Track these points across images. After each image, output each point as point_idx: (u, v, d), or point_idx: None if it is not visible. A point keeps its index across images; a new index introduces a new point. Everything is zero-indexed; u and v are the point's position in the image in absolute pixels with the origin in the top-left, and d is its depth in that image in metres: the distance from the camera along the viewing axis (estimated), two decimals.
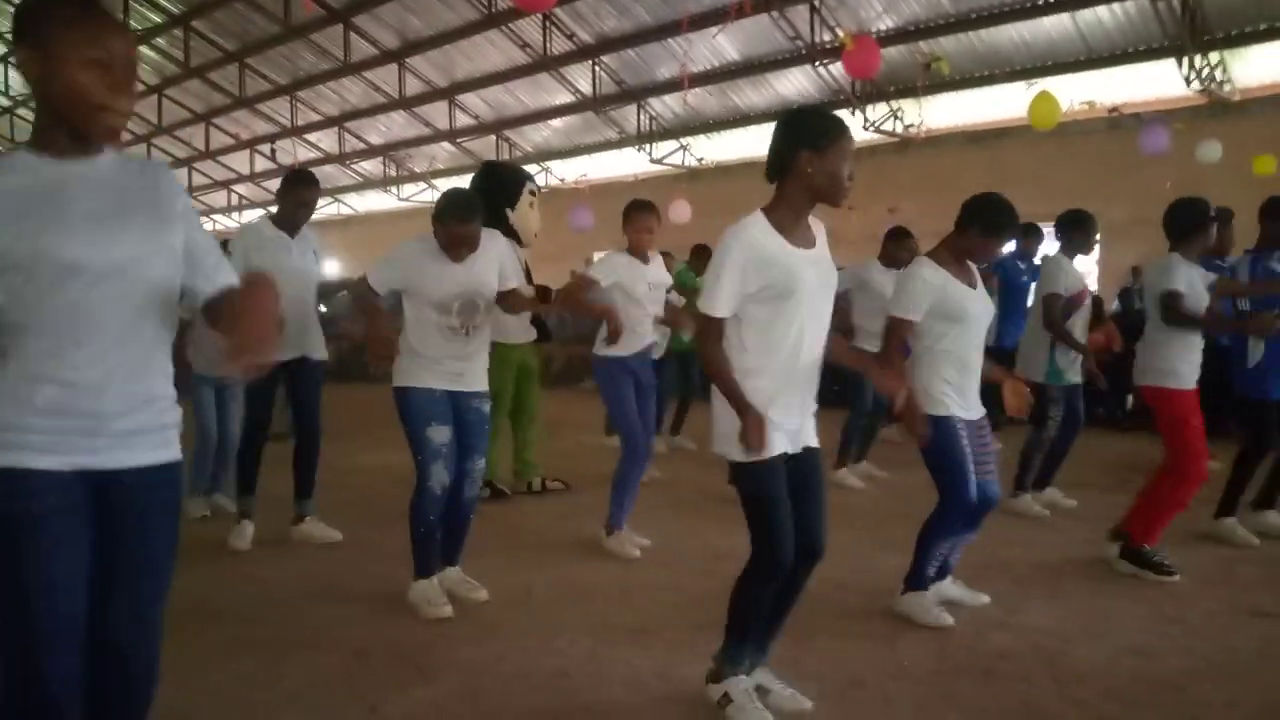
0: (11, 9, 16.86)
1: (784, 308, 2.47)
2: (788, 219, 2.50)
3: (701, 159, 16.82)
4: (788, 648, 3.19)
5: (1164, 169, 9.74)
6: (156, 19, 17.64)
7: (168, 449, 1.75)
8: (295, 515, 4.53)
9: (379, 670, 3.01)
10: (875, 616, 3.52)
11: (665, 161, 16.78)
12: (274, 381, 4.34)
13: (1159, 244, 4.31)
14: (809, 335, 2.52)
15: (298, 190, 4.36)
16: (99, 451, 1.64)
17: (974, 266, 3.48)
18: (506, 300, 3.66)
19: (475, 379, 3.59)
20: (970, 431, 3.43)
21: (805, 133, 2.44)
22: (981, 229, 3.39)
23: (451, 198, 3.47)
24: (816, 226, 2.60)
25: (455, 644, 3.23)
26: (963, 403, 3.41)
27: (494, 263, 3.58)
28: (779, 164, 2.49)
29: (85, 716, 1.71)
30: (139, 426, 1.69)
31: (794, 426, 2.55)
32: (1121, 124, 11.98)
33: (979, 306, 3.44)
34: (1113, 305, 10.33)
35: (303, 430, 4.46)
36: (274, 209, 4.48)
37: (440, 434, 3.45)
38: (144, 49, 18.62)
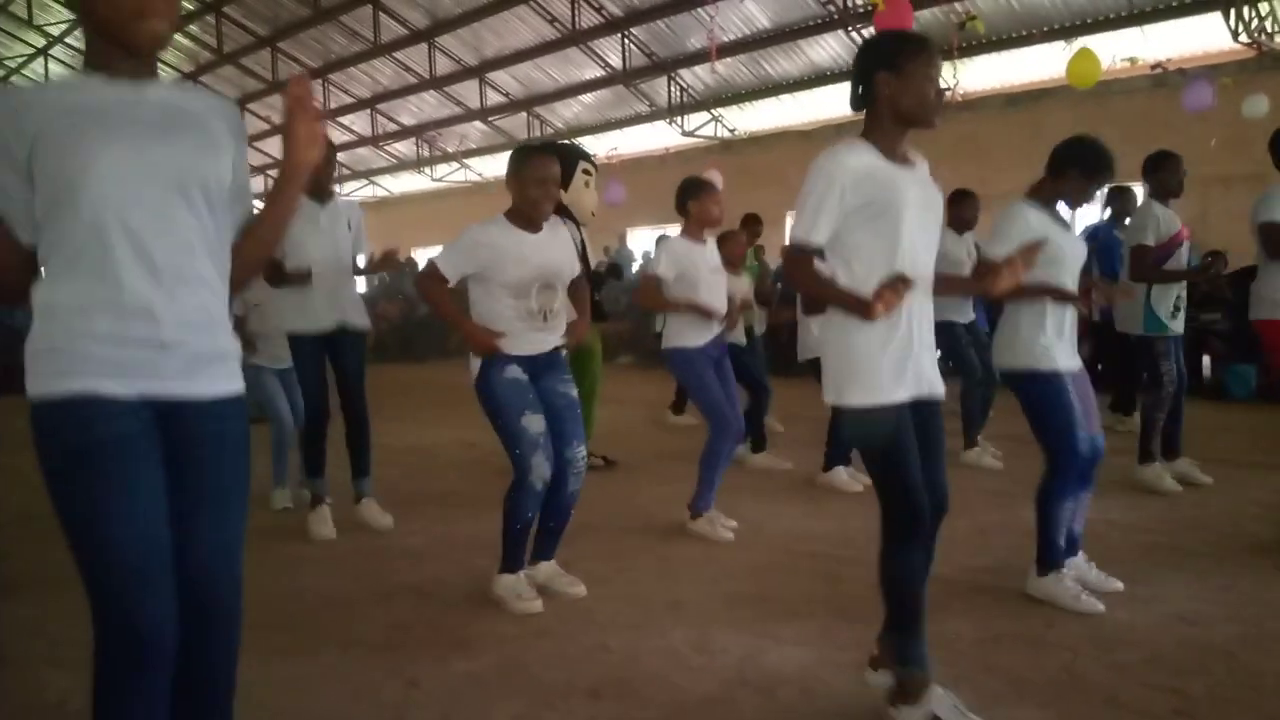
0: None
1: (886, 227, 2.30)
2: (883, 142, 2.35)
3: (734, 130, 16.66)
4: (826, 621, 3.20)
5: (1208, 127, 9.46)
6: (189, 5, 17.77)
7: (231, 381, 1.73)
8: (354, 495, 4.50)
9: (418, 644, 3.05)
10: None
11: (697, 133, 16.65)
12: (318, 361, 4.30)
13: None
14: (920, 256, 2.35)
15: None
16: (164, 378, 1.61)
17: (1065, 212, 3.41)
18: (571, 292, 3.53)
19: (556, 359, 3.43)
20: (1075, 383, 3.33)
21: (881, 54, 2.33)
22: (1082, 169, 3.31)
23: (523, 149, 3.38)
24: (918, 157, 2.46)
25: (494, 618, 3.26)
26: (1066, 353, 3.31)
27: (569, 244, 3.44)
28: (861, 91, 2.38)
29: (184, 659, 1.67)
30: (201, 352, 1.66)
31: (914, 368, 2.35)
32: (1165, 81, 11.65)
33: (1076, 248, 3.37)
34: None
35: (349, 405, 4.38)
36: None
37: (536, 423, 3.23)
38: (177, 36, 18.81)
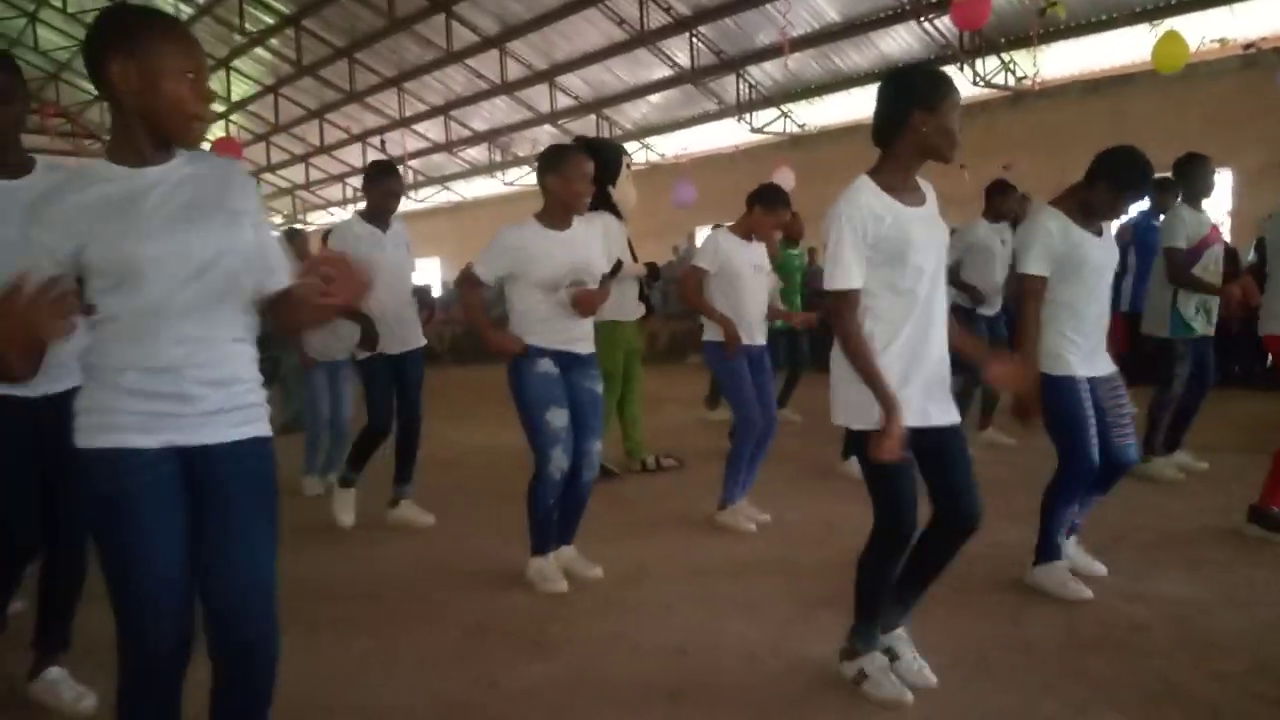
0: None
1: (898, 269, 2.42)
2: (896, 179, 2.47)
3: (804, 125, 16.49)
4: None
5: None
6: (269, 20, 18.31)
7: (252, 425, 1.83)
8: (392, 498, 4.63)
9: (496, 646, 3.09)
10: (998, 590, 3.41)
11: (766, 130, 16.52)
12: (388, 380, 4.43)
13: None
14: (929, 297, 2.47)
15: (383, 181, 4.41)
16: (185, 430, 1.75)
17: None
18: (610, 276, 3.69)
19: (586, 345, 3.57)
20: (1102, 390, 3.29)
21: (917, 92, 2.40)
22: (1109, 183, 3.27)
23: (557, 147, 3.53)
24: (926, 186, 2.57)
25: (572, 620, 3.28)
26: (1086, 359, 3.27)
27: (598, 238, 3.59)
28: (890, 126, 2.46)
29: (216, 689, 1.82)
30: (221, 407, 1.78)
31: (919, 402, 2.45)
32: (1257, 61, 11.17)
33: (1101, 254, 3.30)
34: (1249, 257, 9.70)
35: (405, 416, 4.52)
36: (362, 206, 4.53)
37: (559, 418, 3.42)
38: (259, 50, 19.40)
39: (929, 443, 2.47)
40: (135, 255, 1.68)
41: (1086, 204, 3.31)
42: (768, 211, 4.38)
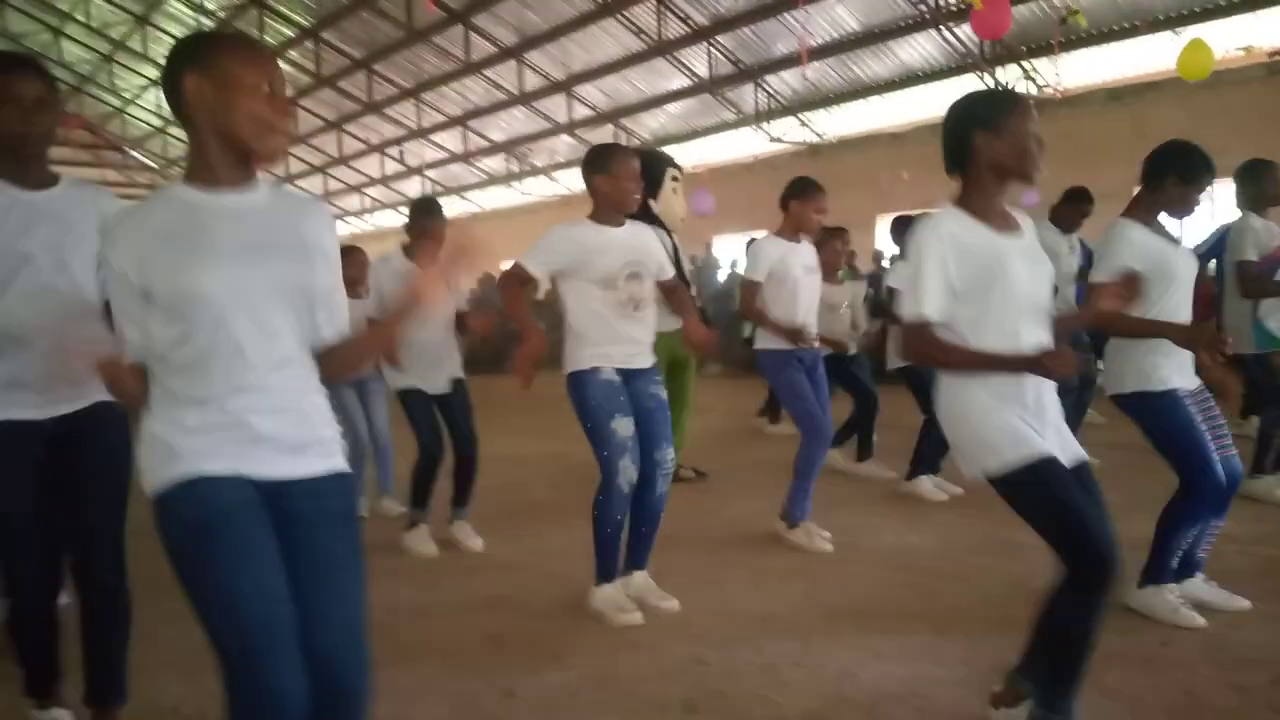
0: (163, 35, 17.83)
1: (993, 302, 2.23)
2: (981, 205, 2.31)
3: (822, 134, 16.46)
4: (925, 635, 3.11)
5: None
6: (289, 33, 18.49)
7: (328, 460, 1.76)
8: (449, 518, 4.55)
9: (513, 656, 3.07)
10: (1023, 604, 3.36)
11: (784, 139, 16.51)
12: (431, 411, 4.41)
13: None
14: (1027, 332, 2.26)
15: (420, 222, 4.40)
16: (260, 463, 1.68)
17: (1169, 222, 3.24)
18: (670, 295, 3.54)
19: (646, 357, 3.42)
20: (1194, 404, 3.14)
21: (976, 115, 2.29)
22: (1180, 176, 3.14)
23: (606, 146, 3.45)
24: (1020, 216, 2.40)
25: (587, 629, 3.27)
26: (1180, 372, 3.13)
27: (653, 237, 3.46)
28: (956, 153, 2.34)
29: None
30: (295, 442, 1.71)
31: (1048, 434, 2.25)
32: None
33: (1186, 262, 3.19)
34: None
35: (460, 446, 4.46)
36: (405, 242, 4.51)
37: (625, 426, 3.24)
38: (279, 62, 19.55)
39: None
40: (197, 284, 1.63)
41: (1156, 207, 3.18)
42: (805, 202, 4.29)
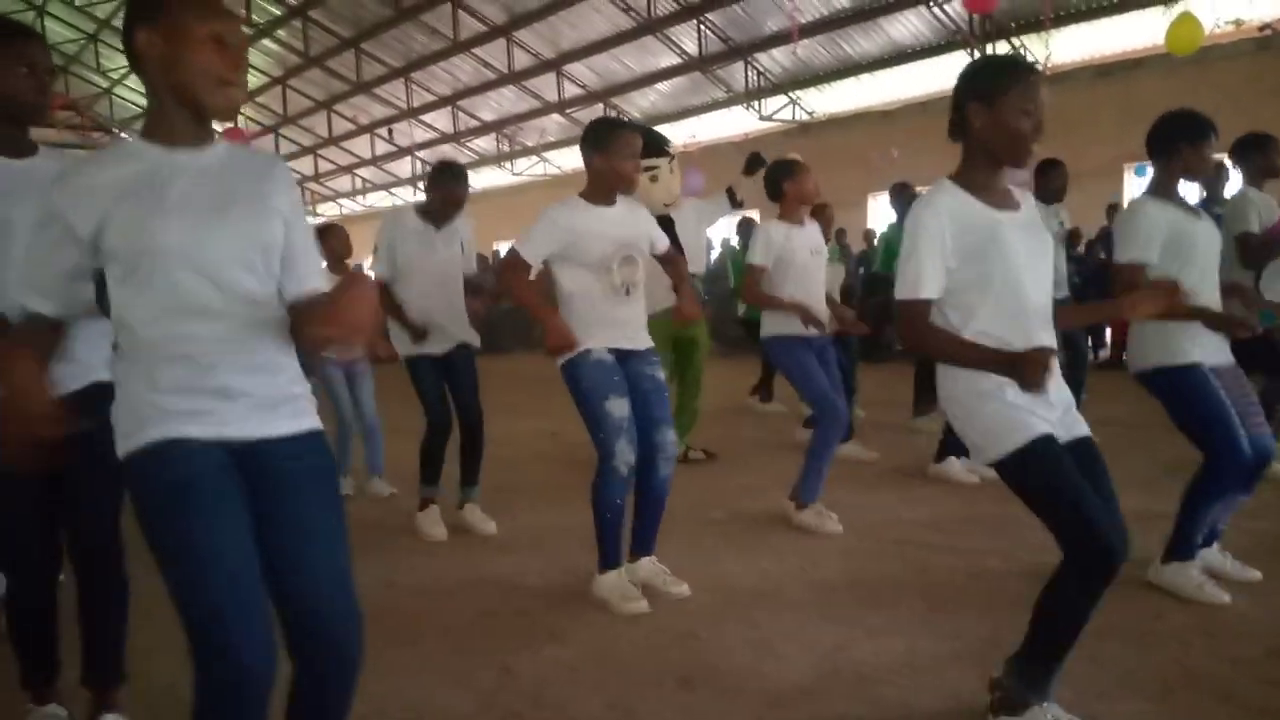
0: None
1: (993, 281, 2.17)
2: (978, 179, 2.23)
3: (813, 112, 16.42)
4: (919, 611, 3.13)
5: None
6: (276, 11, 18.31)
7: (301, 419, 1.75)
8: (459, 500, 4.49)
9: (510, 632, 3.08)
10: (1013, 580, 3.39)
11: (775, 117, 16.46)
12: (438, 379, 4.32)
13: None
14: (1035, 303, 2.20)
15: (442, 184, 4.29)
16: (230, 424, 1.66)
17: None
18: (668, 266, 3.51)
19: (642, 338, 3.37)
20: (1226, 379, 3.11)
21: (975, 82, 2.20)
22: (1189, 139, 3.11)
23: (601, 121, 3.38)
24: (1020, 194, 2.32)
25: (583, 607, 3.28)
26: (1206, 346, 3.09)
27: (644, 218, 3.41)
28: (954, 120, 2.26)
29: (299, 692, 1.72)
30: (265, 399, 1.70)
31: (1047, 412, 2.19)
32: (1272, 43, 11.07)
33: (1208, 233, 3.15)
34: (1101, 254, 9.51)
35: (465, 420, 4.38)
36: (421, 200, 4.42)
37: (620, 407, 3.18)
38: (266, 41, 19.41)
39: (1071, 452, 2.20)
40: (154, 240, 1.60)
41: (1175, 180, 3.15)
42: (797, 181, 4.27)
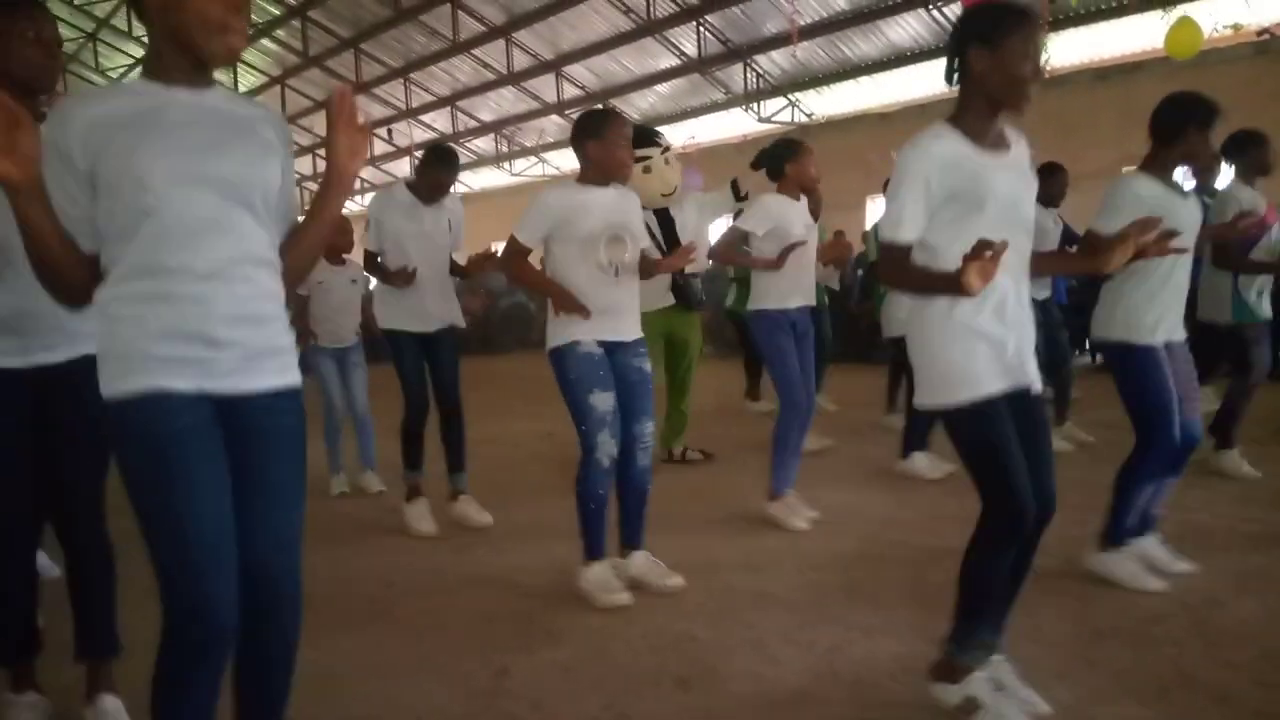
0: None
1: (975, 223, 2.15)
2: (974, 125, 2.21)
3: (811, 115, 16.43)
4: (915, 611, 3.14)
5: None
6: (275, 11, 18.31)
7: (284, 375, 1.76)
8: (450, 491, 4.51)
9: (507, 634, 3.08)
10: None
11: (774, 119, 16.47)
12: (419, 357, 4.31)
13: None
14: (1012, 253, 2.13)
15: (432, 169, 4.29)
16: (217, 376, 1.66)
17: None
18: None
19: (631, 328, 3.39)
20: (1175, 357, 3.17)
21: (976, 25, 2.17)
22: (1198, 123, 3.10)
23: (594, 111, 3.40)
24: (1015, 135, 2.31)
25: (579, 607, 3.28)
26: (1167, 327, 3.17)
27: (635, 207, 3.42)
28: (953, 63, 2.24)
29: (237, 654, 1.74)
30: (254, 349, 1.70)
31: (1009, 356, 2.22)
32: (1270, 48, 11.09)
33: (1191, 217, 3.17)
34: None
35: (445, 401, 4.37)
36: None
37: (604, 400, 3.23)
38: (265, 41, 19.42)
39: (1015, 409, 2.24)
40: (148, 171, 1.59)
41: (1171, 164, 3.16)
42: (800, 163, 4.31)
